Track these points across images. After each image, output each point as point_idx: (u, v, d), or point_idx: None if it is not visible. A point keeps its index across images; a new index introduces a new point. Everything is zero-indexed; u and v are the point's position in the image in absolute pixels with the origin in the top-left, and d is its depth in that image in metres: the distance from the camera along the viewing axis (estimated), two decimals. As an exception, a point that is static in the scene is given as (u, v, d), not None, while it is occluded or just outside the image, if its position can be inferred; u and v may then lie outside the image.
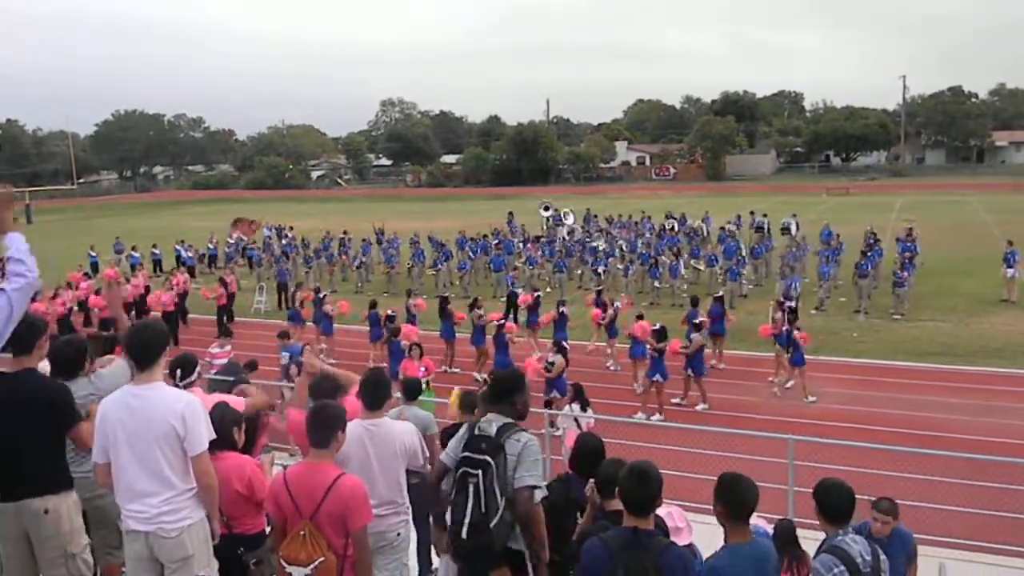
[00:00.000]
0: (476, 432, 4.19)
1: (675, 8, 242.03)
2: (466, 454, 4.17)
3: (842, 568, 3.94)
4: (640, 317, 15.08)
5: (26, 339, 4.66)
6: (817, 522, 4.31)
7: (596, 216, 37.09)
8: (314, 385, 5.77)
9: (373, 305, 17.53)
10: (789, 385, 14.66)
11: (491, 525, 4.00)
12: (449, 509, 4.23)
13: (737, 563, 3.81)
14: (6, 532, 4.65)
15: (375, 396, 4.92)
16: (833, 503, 4.18)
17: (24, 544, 4.65)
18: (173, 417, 4.12)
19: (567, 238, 30.44)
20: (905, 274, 20.69)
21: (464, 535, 4.06)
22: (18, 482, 4.55)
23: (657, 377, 13.39)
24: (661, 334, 13.67)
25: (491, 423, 4.21)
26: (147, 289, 22.15)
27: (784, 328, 14.41)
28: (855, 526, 4.45)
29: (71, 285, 22.12)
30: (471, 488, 4.06)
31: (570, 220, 33.01)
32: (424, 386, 12.17)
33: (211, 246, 33.96)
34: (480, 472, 4.06)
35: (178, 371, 5.64)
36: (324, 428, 4.29)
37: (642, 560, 3.51)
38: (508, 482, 4.04)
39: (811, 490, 4.32)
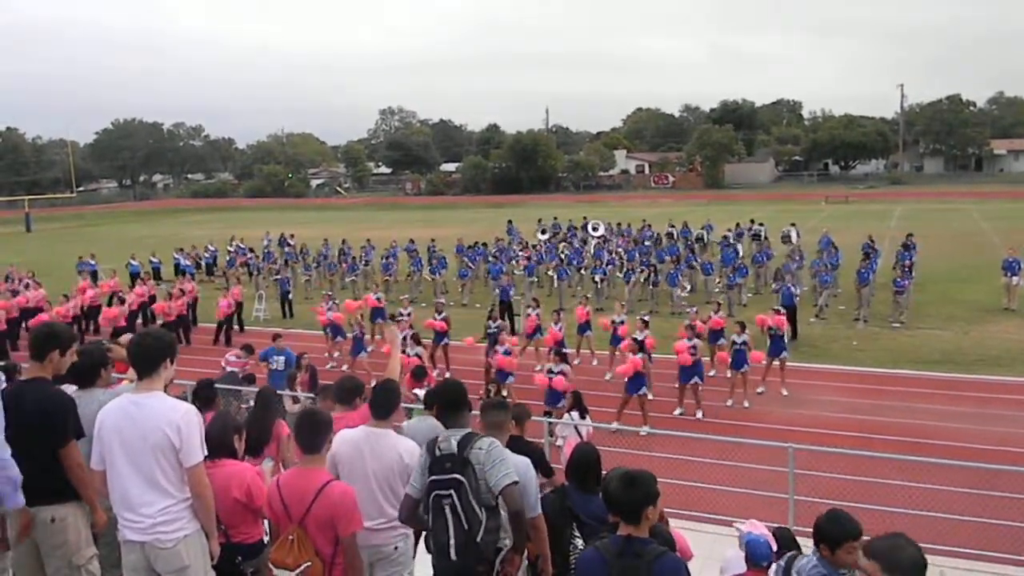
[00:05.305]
0: (438, 454, 4.12)
1: (674, 18, 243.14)
2: (433, 478, 4.09)
3: None
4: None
5: (40, 346, 4.64)
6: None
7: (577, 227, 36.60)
8: (337, 385, 5.84)
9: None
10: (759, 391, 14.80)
11: (478, 539, 3.97)
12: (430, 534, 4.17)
13: None
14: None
15: (383, 405, 4.87)
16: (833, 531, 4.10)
17: (33, 552, 4.63)
18: (169, 427, 4.10)
19: (599, 244, 30.00)
20: (906, 282, 20.74)
21: (454, 556, 4.01)
22: (24, 491, 4.49)
23: (643, 391, 13.25)
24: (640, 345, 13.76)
25: (449, 440, 4.14)
26: (152, 298, 22.11)
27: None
28: None
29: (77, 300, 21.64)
30: (447, 509, 4.01)
31: (600, 231, 32.61)
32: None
33: (207, 255, 33.85)
34: (453, 491, 4.01)
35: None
36: (312, 434, 4.35)
37: (636, 568, 3.49)
38: (483, 492, 4.01)
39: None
